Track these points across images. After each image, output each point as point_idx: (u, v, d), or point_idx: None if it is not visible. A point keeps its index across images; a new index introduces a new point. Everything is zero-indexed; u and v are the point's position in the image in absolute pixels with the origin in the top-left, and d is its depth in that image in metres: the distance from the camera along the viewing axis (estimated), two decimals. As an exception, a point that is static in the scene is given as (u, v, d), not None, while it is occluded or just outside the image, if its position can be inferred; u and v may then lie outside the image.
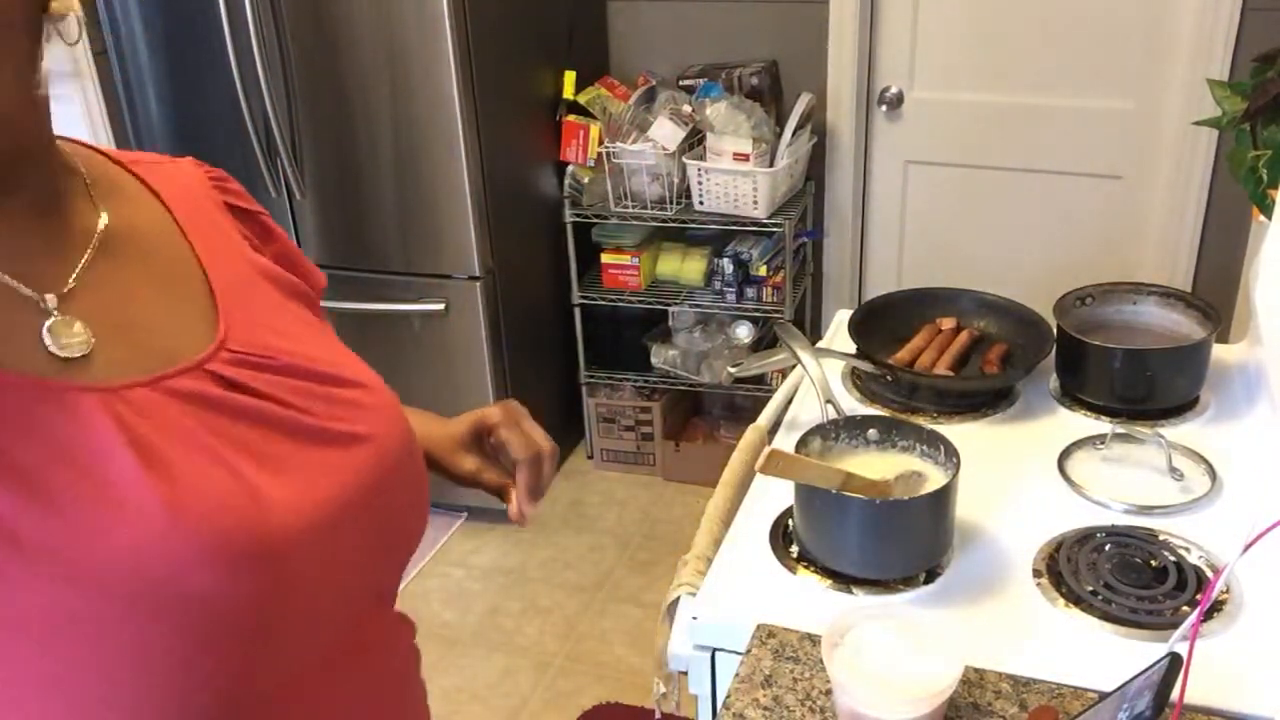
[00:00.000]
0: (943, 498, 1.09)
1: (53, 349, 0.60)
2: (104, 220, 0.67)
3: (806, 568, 1.14)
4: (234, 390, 0.66)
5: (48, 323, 0.61)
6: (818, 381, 1.34)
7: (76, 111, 2.68)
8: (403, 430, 0.75)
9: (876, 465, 1.17)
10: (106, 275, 0.66)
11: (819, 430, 1.19)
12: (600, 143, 2.78)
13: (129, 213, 0.70)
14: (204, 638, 0.58)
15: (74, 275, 0.64)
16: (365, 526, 0.69)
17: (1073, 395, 1.44)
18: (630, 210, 2.82)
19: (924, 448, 1.17)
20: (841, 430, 1.20)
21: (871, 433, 1.20)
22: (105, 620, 0.55)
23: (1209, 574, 1.10)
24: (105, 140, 2.74)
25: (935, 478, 1.14)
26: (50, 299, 0.62)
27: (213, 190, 0.78)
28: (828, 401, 1.31)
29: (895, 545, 1.10)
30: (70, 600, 0.54)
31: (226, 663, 0.59)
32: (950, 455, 1.14)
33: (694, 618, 1.10)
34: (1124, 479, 1.26)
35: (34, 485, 0.55)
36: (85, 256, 0.65)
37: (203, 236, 0.73)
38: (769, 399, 1.53)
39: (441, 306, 2.61)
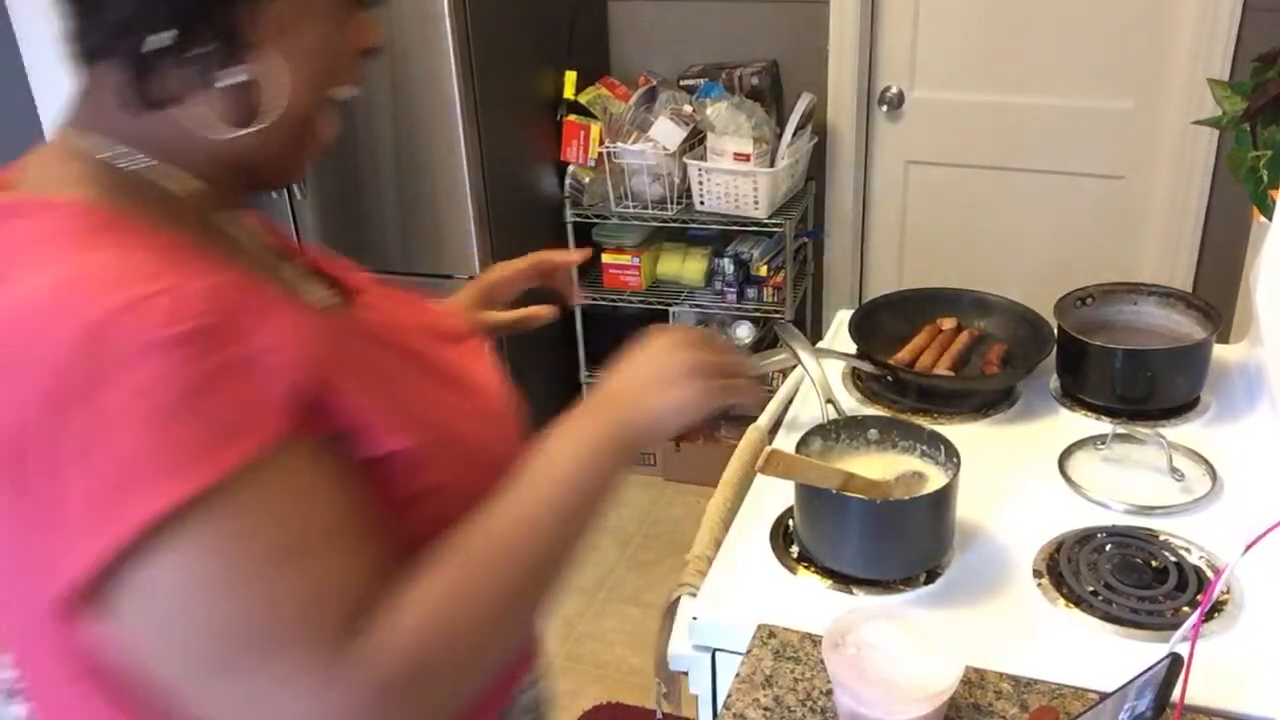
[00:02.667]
0: (943, 498, 1.09)
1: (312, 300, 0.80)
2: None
3: (807, 568, 1.14)
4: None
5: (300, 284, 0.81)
6: (818, 381, 1.34)
7: (77, 111, 2.68)
8: None
9: (876, 465, 1.17)
10: None
11: (819, 430, 1.19)
12: (601, 143, 2.77)
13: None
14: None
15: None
16: None
17: (1073, 395, 1.44)
18: (631, 210, 2.82)
19: (924, 448, 1.17)
20: (841, 430, 1.20)
21: (871, 433, 1.20)
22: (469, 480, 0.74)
23: (1209, 574, 1.10)
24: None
25: (935, 478, 1.14)
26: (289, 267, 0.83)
27: None
28: (828, 401, 1.31)
29: (895, 545, 1.10)
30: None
31: None
32: (950, 455, 1.13)
33: (694, 618, 1.09)
34: (1124, 479, 1.26)
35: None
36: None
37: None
38: (769, 399, 1.53)
39: (442, 306, 2.61)
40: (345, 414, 0.67)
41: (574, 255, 1.24)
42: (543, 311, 1.16)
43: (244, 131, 0.70)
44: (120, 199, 0.68)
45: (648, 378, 0.81)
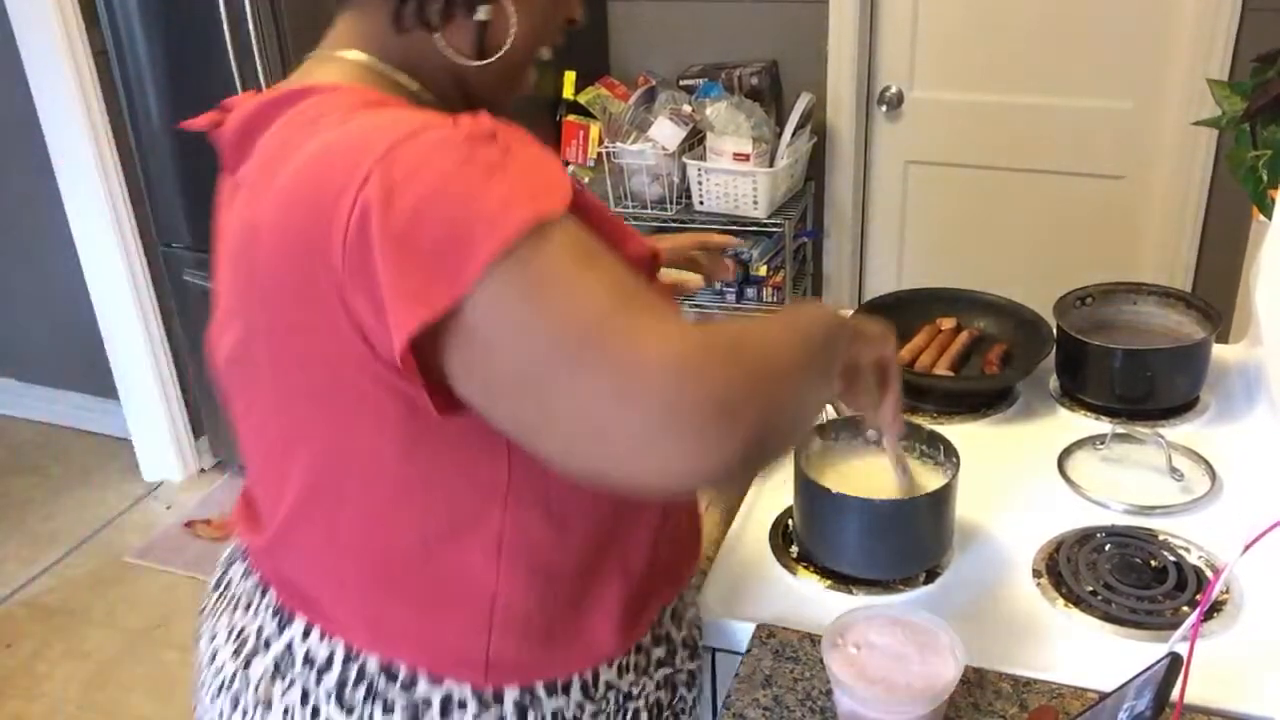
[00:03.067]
0: (942, 498, 1.09)
1: None
2: None
3: (806, 568, 1.14)
4: None
5: None
6: (818, 381, 1.34)
7: (76, 111, 2.68)
8: None
9: (875, 465, 1.17)
10: None
11: (818, 430, 1.19)
12: (600, 143, 2.78)
13: None
14: None
15: None
16: None
17: (1073, 395, 1.44)
18: (630, 210, 2.82)
19: (924, 448, 1.17)
20: (841, 430, 1.20)
21: (871, 433, 1.20)
22: None
23: (1209, 574, 1.10)
24: (105, 140, 2.74)
25: (934, 477, 1.14)
26: None
27: None
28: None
29: (894, 545, 1.10)
30: None
31: None
32: (950, 455, 1.14)
33: (694, 618, 1.10)
34: (1124, 479, 1.26)
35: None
36: None
37: None
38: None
39: (441, 306, 2.61)
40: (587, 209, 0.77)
41: (731, 240, 1.40)
42: (696, 280, 1.31)
43: (479, 63, 0.85)
44: (379, 88, 0.82)
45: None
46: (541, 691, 0.89)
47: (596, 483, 0.72)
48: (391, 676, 0.87)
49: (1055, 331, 1.45)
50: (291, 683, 0.89)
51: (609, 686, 0.92)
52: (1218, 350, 1.48)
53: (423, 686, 0.86)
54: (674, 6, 2.97)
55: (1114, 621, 1.04)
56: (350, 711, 0.87)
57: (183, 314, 2.95)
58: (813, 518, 1.13)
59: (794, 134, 2.69)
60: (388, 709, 0.86)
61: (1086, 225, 2.85)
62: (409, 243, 0.68)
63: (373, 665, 0.87)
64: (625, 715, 0.94)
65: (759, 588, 1.12)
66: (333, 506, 0.84)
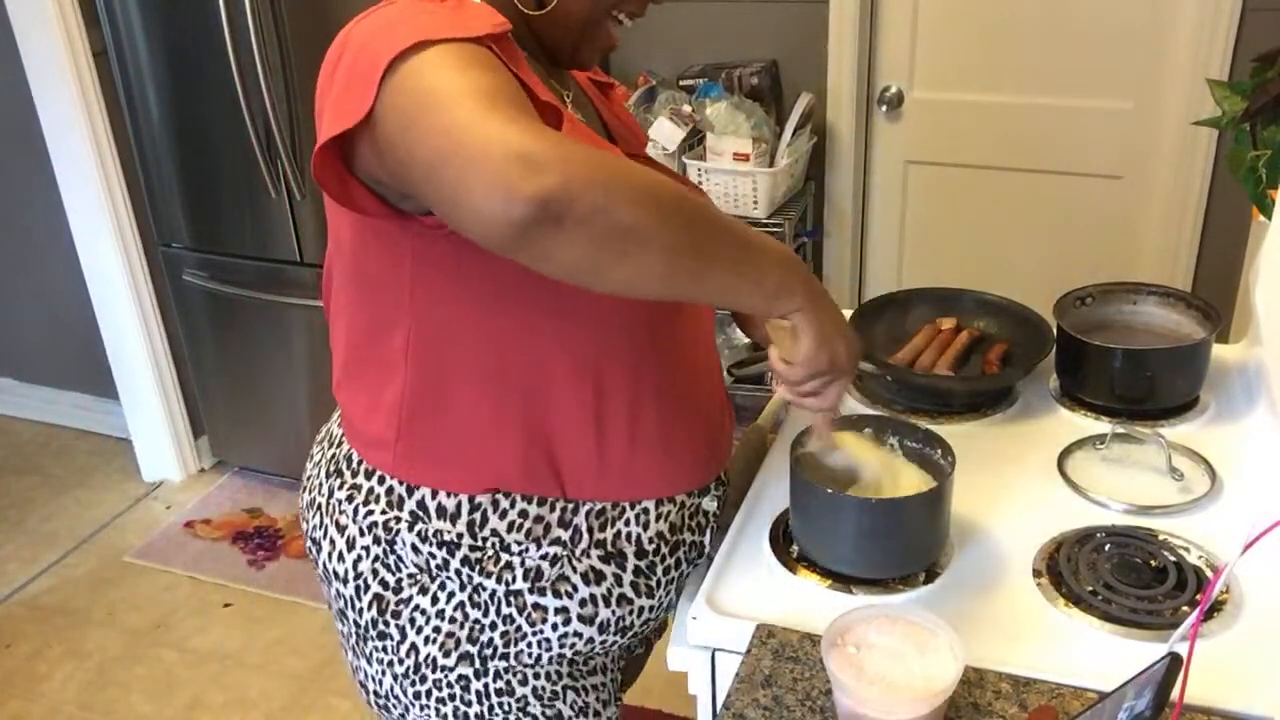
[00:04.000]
0: (938, 497, 1.09)
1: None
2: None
3: (806, 568, 1.14)
4: None
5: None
6: (817, 381, 1.33)
7: (76, 111, 2.68)
8: None
9: (873, 464, 1.17)
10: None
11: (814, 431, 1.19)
12: (600, 143, 2.77)
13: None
14: None
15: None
16: None
17: (1073, 395, 1.44)
18: (630, 210, 2.82)
19: (921, 447, 1.17)
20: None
21: (867, 431, 1.20)
22: None
23: (1209, 574, 1.10)
24: (105, 140, 2.74)
25: (927, 477, 1.14)
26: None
27: None
28: (827, 401, 1.31)
29: (890, 544, 1.10)
30: None
31: None
32: (946, 455, 1.14)
33: (694, 618, 1.09)
34: (1124, 479, 1.26)
35: None
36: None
37: None
38: (769, 399, 1.53)
39: (441, 306, 2.60)
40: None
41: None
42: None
43: (535, 12, 1.01)
44: None
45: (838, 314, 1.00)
46: (433, 510, 1.07)
47: (467, 232, 0.83)
48: (349, 460, 1.13)
49: (1055, 331, 1.45)
50: (319, 451, 1.20)
51: (494, 533, 1.07)
52: (1218, 350, 1.48)
53: (360, 476, 1.11)
54: (674, 6, 2.95)
55: (1114, 621, 1.04)
56: (329, 477, 1.15)
57: (183, 314, 2.95)
58: (809, 518, 1.13)
59: (794, 134, 2.69)
60: (341, 485, 1.13)
61: (1086, 225, 2.85)
62: (350, 72, 0.87)
63: (344, 449, 1.14)
64: (499, 563, 1.08)
65: (759, 588, 1.12)
66: (338, 291, 1.10)
